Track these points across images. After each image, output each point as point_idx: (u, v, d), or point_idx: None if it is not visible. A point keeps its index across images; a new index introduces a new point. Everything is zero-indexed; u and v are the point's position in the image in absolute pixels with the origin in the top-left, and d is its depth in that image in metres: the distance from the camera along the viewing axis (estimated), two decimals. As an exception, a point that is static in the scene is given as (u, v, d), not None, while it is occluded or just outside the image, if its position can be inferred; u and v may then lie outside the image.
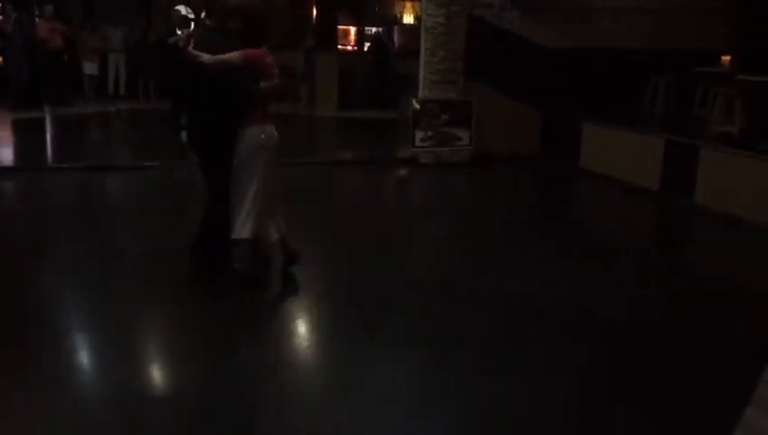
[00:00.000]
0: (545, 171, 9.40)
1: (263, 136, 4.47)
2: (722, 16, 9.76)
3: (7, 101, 12.13)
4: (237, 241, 4.44)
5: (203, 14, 4.66)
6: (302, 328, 4.23)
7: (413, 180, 8.94)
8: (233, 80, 4.35)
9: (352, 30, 17.81)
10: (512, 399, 3.37)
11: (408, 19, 17.76)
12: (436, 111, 9.15)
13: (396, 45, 15.60)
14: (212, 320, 4.17)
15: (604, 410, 3.33)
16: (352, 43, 17.84)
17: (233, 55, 4.32)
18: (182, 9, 5.19)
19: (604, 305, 4.60)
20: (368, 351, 3.83)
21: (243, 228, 4.42)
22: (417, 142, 9.18)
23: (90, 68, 13.61)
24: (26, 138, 10.56)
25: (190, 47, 4.33)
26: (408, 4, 17.81)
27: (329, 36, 16.52)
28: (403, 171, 9.13)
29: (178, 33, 4.75)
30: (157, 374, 3.63)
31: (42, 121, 11.67)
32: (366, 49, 16.19)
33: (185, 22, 5.12)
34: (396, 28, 16.85)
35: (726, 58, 9.01)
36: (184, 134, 4.69)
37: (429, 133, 9.15)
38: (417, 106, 9.17)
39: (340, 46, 17.12)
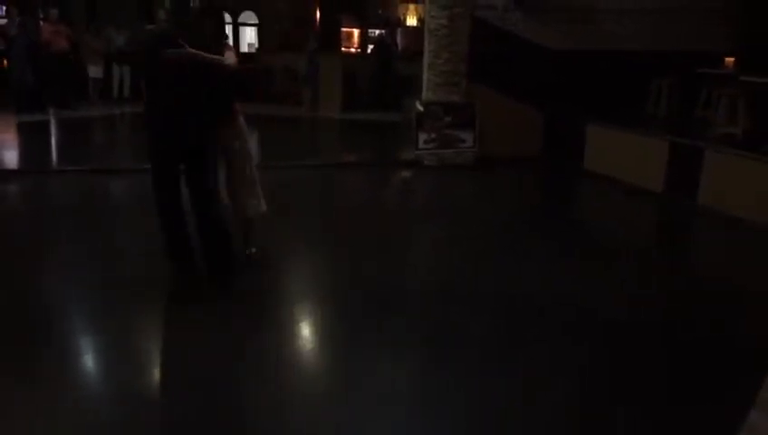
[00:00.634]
0: (548, 173, 9.39)
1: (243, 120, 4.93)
2: (723, 16, 9.74)
3: (11, 104, 12.17)
4: (251, 223, 4.96)
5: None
6: (303, 329, 4.23)
7: (416, 182, 8.93)
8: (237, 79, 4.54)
9: (355, 32, 17.89)
10: (512, 399, 3.37)
11: (411, 21, 17.81)
12: (440, 114, 9.14)
13: (399, 48, 15.60)
14: (212, 320, 4.18)
15: (605, 410, 3.33)
16: (355, 46, 17.91)
17: (231, 56, 4.55)
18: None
19: (605, 305, 4.59)
20: (368, 351, 3.83)
21: (261, 204, 4.97)
22: (421, 144, 9.17)
23: (94, 71, 13.62)
24: (31, 141, 10.57)
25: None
26: (411, 7, 17.85)
27: (332, 38, 16.58)
28: (406, 173, 9.12)
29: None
30: (157, 375, 3.65)
31: (46, 124, 11.68)
32: (369, 51, 16.23)
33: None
34: (399, 30, 16.88)
35: (730, 60, 9.00)
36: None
37: (433, 135, 9.15)
38: (421, 108, 9.18)
39: (343, 48, 17.18)
